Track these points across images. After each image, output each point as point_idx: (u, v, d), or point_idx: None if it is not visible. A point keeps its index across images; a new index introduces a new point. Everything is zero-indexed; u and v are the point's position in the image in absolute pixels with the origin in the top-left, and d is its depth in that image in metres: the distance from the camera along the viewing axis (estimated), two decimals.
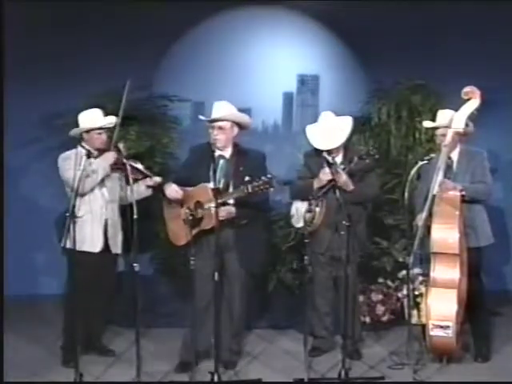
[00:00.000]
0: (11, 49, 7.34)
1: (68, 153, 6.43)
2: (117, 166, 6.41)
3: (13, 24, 7.49)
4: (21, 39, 7.82)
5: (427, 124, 6.58)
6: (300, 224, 6.35)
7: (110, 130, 6.51)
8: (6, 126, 7.31)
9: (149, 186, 6.49)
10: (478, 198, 6.25)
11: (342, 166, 6.33)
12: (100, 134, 6.45)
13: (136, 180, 6.40)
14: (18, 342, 6.76)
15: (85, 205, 6.32)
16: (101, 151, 6.41)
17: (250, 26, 8.29)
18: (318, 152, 6.48)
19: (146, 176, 6.47)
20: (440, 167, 6.17)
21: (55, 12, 7.94)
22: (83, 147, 6.37)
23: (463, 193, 6.12)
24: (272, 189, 5.87)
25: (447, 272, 6.11)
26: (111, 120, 6.51)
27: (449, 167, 6.26)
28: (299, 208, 6.46)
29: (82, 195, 6.27)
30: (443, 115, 6.41)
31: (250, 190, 5.84)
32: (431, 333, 6.10)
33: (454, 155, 6.32)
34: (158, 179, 6.48)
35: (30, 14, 7.94)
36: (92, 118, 6.47)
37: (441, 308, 6.08)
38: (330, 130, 6.45)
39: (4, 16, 7.02)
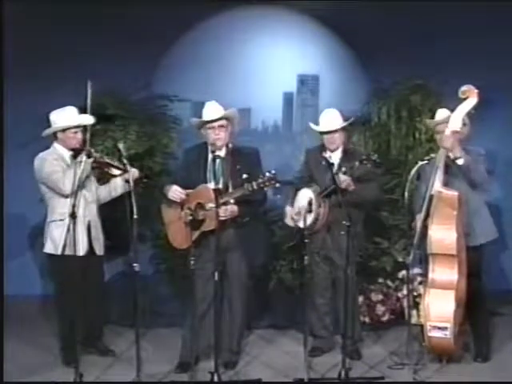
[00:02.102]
0: (11, 49, 7.33)
1: (44, 154, 6.35)
2: (96, 165, 6.34)
3: (13, 24, 7.49)
4: (21, 39, 7.82)
5: (429, 121, 6.58)
6: (305, 224, 6.35)
7: (84, 129, 6.38)
8: (5, 125, 7.32)
9: (127, 181, 6.17)
10: (477, 179, 6.17)
11: (344, 169, 6.33)
12: (76, 132, 6.34)
13: (113, 176, 6.38)
14: (17, 341, 6.76)
15: (67, 207, 6.12)
16: (76, 151, 6.33)
17: (250, 26, 8.29)
18: (319, 150, 6.55)
19: (122, 171, 6.31)
20: (438, 167, 6.17)
21: (55, 12, 7.94)
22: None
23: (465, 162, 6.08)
24: (277, 184, 5.87)
25: (445, 273, 6.10)
26: (87, 118, 6.35)
27: (447, 167, 6.25)
28: (302, 208, 6.46)
29: (66, 196, 6.21)
30: (443, 113, 6.42)
31: (254, 187, 5.85)
32: (429, 334, 6.10)
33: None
34: (135, 172, 6.29)
35: (30, 13, 7.94)
36: (67, 117, 6.36)
37: (439, 309, 6.07)
38: (330, 115, 6.54)
39: (4, 16, 7.02)
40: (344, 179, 6.26)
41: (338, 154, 6.53)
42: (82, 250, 6.31)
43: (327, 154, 6.40)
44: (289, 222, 6.63)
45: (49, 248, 6.33)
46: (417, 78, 7.76)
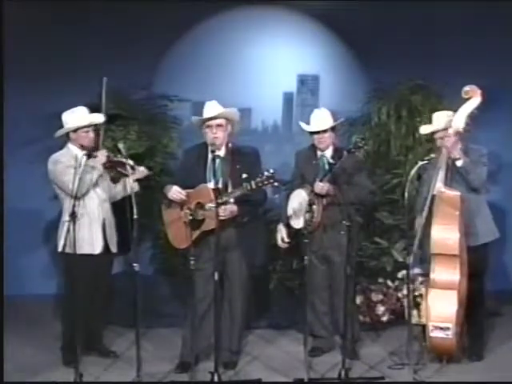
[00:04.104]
0: (11, 49, 7.33)
1: (58, 155, 6.38)
2: (109, 164, 6.37)
3: (13, 24, 7.49)
4: (21, 39, 7.82)
5: (424, 130, 6.55)
6: (300, 225, 6.36)
7: (96, 128, 6.46)
8: (5, 125, 7.31)
9: (137, 180, 6.37)
10: (474, 181, 6.15)
11: (332, 161, 6.38)
12: (87, 132, 6.37)
13: (125, 175, 6.39)
14: (17, 341, 6.76)
15: (81, 206, 6.23)
16: (89, 150, 6.33)
17: (250, 26, 8.29)
18: (309, 150, 6.62)
19: (134, 170, 6.35)
20: (440, 167, 6.17)
21: (55, 12, 7.94)
22: (82, 148, 6.36)
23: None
24: (276, 183, 5.88)
25: (447, 273, 6.09)
26: (98, 117, 6.44)
27: (449, 167, 6.23)
28: (296, 209, 6.48)
29: (80, 197, 6.23)
30: (439, 118, 6.39)
31: (253, 187, 5.85)
32: (431, 334, 6.10)
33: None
34: (145, 170, 6.40)
35: (30, 13, 7.94)
36: (78, 117, 6.39)
37: (441, 309, 6.07)
38: (320, 115, 6.57)
39: (4, 16, 7.02)
40: (322, 186, 6.31)
41: (329, 154, 6.55)
42: (97, 248, 6.34)
43: (313, 154, 6.53)
44: (280, 243, 6.65)
45: (61, 247, 6.32)
46: (417, 78, 7.76)
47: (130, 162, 6.33)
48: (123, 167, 6.33)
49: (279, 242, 6.65)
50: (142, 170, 6.42)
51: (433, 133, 6.44)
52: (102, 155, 6.36)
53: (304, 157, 6.67)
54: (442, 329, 6.04)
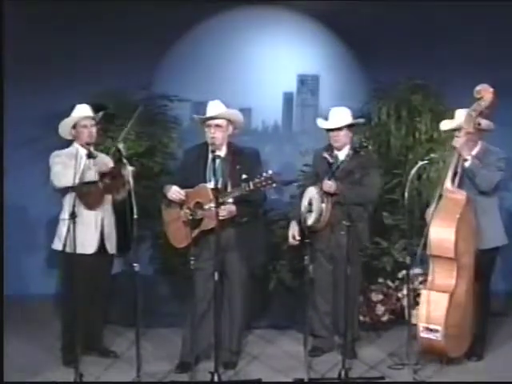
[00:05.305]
0: (11, 49, 7.33)
1: (59, 151, 6.41)
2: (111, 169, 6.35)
3: (13, 24, 7.49)
4: (21, 39, 7.82)
5: (444, 126, 6.47)
6: (309, 222, 6.35)
7: (99, 124, 6.47)
8: (5, 125, 7.31)
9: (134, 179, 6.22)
10: (481, 184, 6.09)
11: (332, 160, 6.38)
12: (85, 126, 6.38)
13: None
14: (17, 341, 6.76)
15: (80, 206, 6.21)
16: (90, 149, 6.34)
17: (250, 26, 8.29)
18: (325, 149, 6.57)
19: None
20: (450, 166, 6.13)
21: (55, 12, 7.94)
22: (83, 146, 6.36)
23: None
24: (274, 184, 5.87)
25: (442, 275, 6.06)
26: (98, 114, 6.47)
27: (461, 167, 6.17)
28: (307, 206, 6.47)
29: (64, 193, 6.22)
30: (460, 115, 6.25)
31: (251, 187, 5.86)
32: (421, 335, 6.09)
33: (473, 153, 6.17)
34: (129, 168, 6.21)
35: (30, 13, 7.94)
36: (75, 112, 6.43)
37: (431, 311, 6.04)
38: (338, 113, 6.54)
39: (4, 16, 7.03)
40: (330, 184, 6.29)
41: (345, 153, 6.53)
42: (91, 248, 6.33)
43: (328, 153, 6.45)
44: (291, 240, 6.64)
45: (56, 245, 6.34)
46: (417, 77, 7.76)
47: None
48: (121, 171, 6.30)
49: (290, 239, 6.63)
50: (129, 169, 6.15)
51: (449, 131, 6.38)
52: (107, 163, 6.31)
53: (320, 155, 6.63)
54: (431, 330, 6.02)
